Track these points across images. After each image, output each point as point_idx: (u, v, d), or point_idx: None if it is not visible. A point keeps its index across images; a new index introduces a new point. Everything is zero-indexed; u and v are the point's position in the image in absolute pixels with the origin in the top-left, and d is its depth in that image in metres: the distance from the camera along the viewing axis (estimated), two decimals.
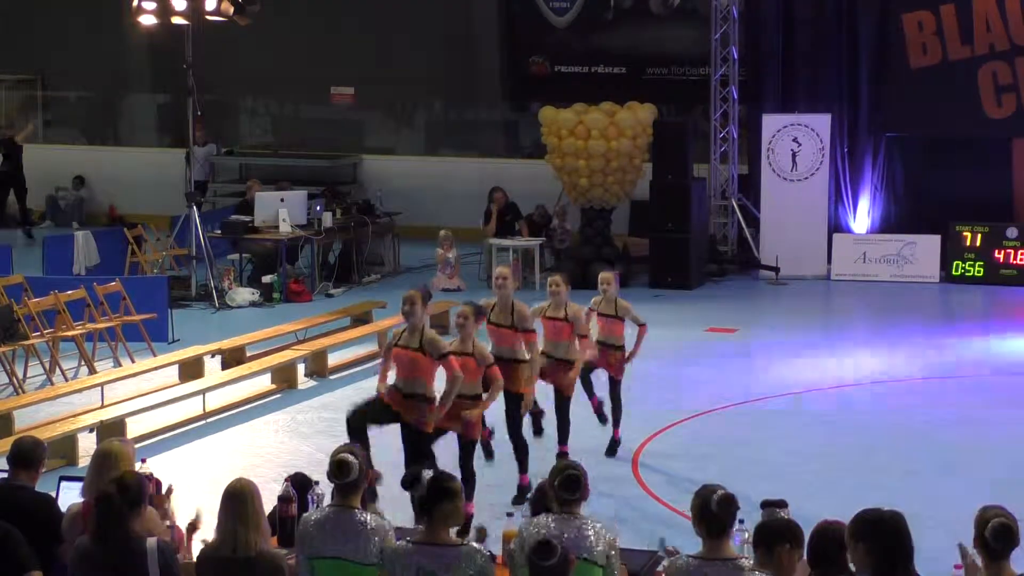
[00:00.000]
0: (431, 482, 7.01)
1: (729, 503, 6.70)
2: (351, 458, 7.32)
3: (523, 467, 11.94)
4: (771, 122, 23.52)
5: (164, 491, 8.25)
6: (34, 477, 8.13)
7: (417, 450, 10.84)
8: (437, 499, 6.97)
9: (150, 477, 8.07)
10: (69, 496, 8.32)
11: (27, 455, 8.12)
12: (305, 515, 7.51)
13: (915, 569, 6.62)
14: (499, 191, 23.33)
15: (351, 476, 7.29)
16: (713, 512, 6.68)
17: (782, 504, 6.82)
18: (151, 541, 7.07)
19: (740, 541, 7.16)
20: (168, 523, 8.00)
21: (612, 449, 13.37)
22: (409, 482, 7.12)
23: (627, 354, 13.42)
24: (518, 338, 12.03)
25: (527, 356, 11.95)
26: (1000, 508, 6.65)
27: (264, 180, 24.66)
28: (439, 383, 11.13)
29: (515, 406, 11.90)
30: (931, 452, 13.79)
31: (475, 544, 7.04)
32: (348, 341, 17.89)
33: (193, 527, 8.09)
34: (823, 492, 12.28)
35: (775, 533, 6.71)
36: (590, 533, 7.08)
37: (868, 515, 6.59)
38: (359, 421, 11.11)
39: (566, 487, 7.14)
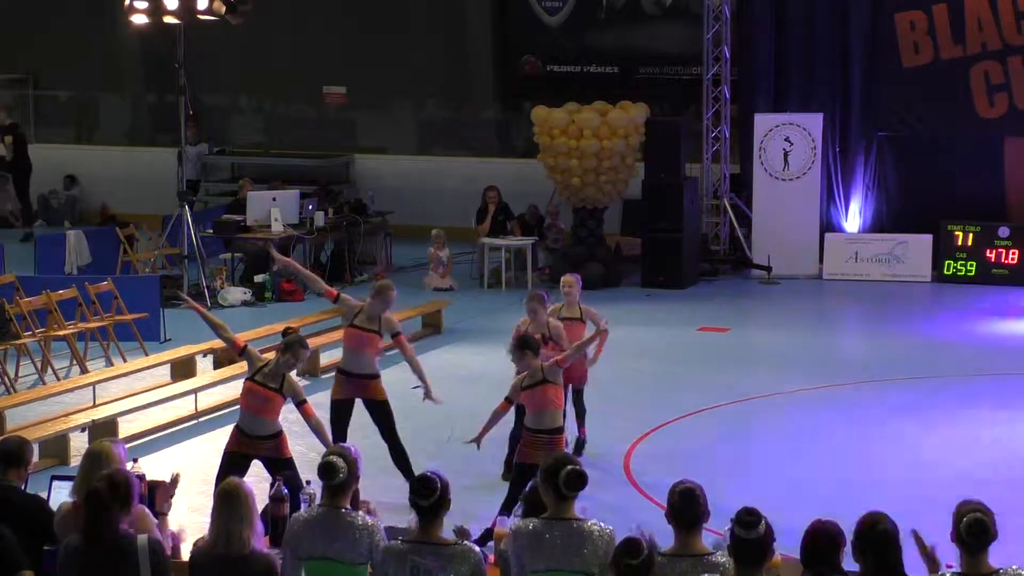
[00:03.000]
0: (444, 485, 7.01)
1: (689, 497, 6.71)
2: (338, 460, 7.33)
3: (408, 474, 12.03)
4: (763, 121, 23.52)
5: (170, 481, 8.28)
6: (23, 476, 8.11)
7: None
8: (446, 500, 7.02)
9: (142, 477, 8.06)
10: (61, 495, 8.31)
11: (14, 454, 8.09)
12: (294, 515, 7.52)
13: (905, 572, 6.65)
14: (493, 189, 23.31)
15: (338, 478, 7.30)
16: (676, 505, 6.70)
17: (758, 518, 6.72)
18: (142, 538, 7.07)
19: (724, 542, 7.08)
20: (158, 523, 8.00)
21: (579, 448, 13.26)
22: (426, 489, 7.04)
23: (588, 360, 13.28)
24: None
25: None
26: (977, 503, 6.66)
27: (256, 179, 24.65)
28: None
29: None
30: (924, 452, 13.80)
31: (469, 544, 7.05)
32: (340, 340, 17.82)
33: (172, 486, 8.14)
34: (814, 492, 12.30)
35: (765, 545, 6.64)
36: (585, 536, 7.04)
37: (864, 520, 6.62)
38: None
39: (571, 485, 7.12)
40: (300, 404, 10.60)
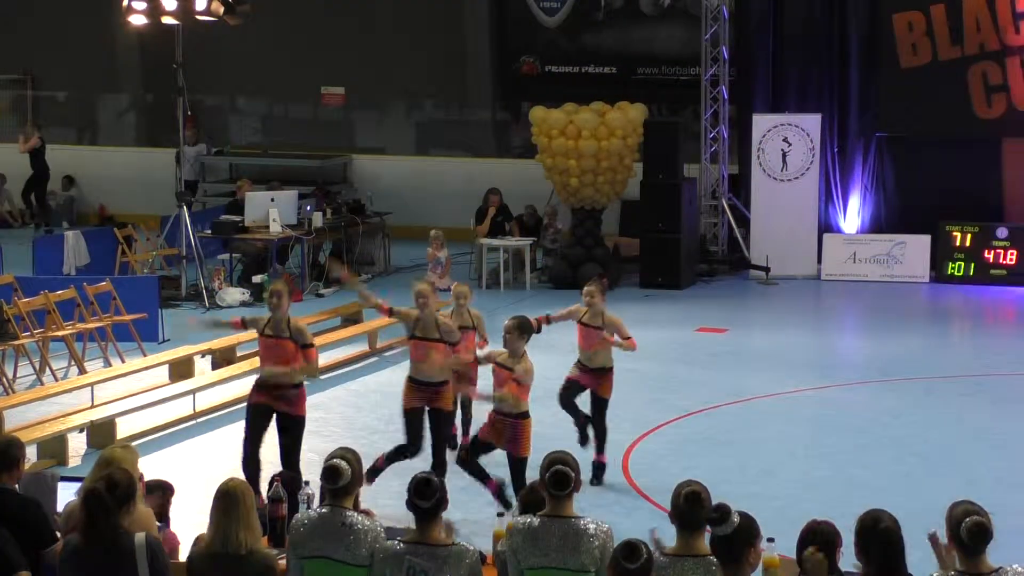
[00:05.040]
0: (440, 486, 7.03)
1: (695, 500, 6.71)
2: (341, 463, 7.32)
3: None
4: (761, 122, 23.53)
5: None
6: (16, 477, 8.02)
7: None
8: (444, 502, 7.04)
9: (140, 478, 8.05)
10: (61, 496, 8.31)
11: (4, 455, 8.00)
12: (297, 516, 7.52)
13: (909, 572, 6.65)
14: (496, 193, 23.29)
15: (342, 481, 7.30)
16: (680, 507, 6.71)
17: (725, 515, 6.70)
18: (139, 537, 7.06)
19: None
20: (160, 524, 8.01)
21: (597, 475, 12.78)
22: (427, 490, 7.04)
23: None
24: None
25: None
26: (969, 503, 6.66)
27: (254, 180, 24.64)
28: None
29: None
30: (922, 452, 13.81)
31: (465, 543, 7.06)
32: (338, 341, 17.89)
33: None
34: (812, 492, 12.31)
35: (736, 542, 6.64)
36: (582, 534, 7.06)
37: (864, 519, 6.62)
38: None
39: (555, 484, 7.13)
40: (305, 347, 11.33)
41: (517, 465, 11.15)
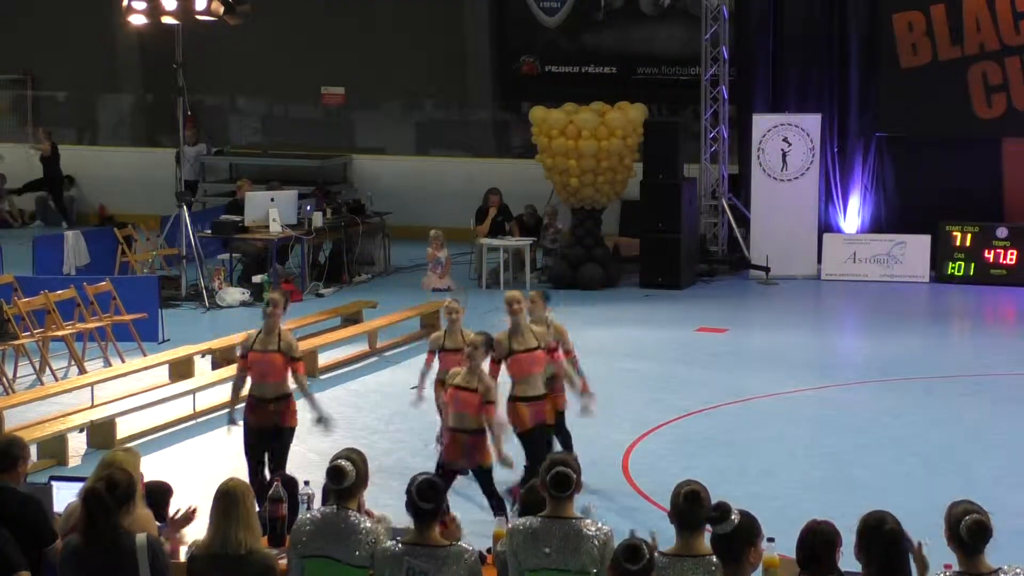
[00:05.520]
0: (442, 488, 7.05)
1: (694, 499, 6.71)
2: (346, 464, 7.32)
3: None
4: (761, 122, 23.52)
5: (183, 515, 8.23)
6: (17, 476, 7.99)
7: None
8: (444, 504, 7.07)
9: (141, 479, 8.05)
10: (61, 496, 8.31)
11: (4, 454, 7.98)
12: (300, 516, 7.54)
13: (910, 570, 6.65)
14: (496, 193, 23.28)
15: (346, 482, 7.30)
16: (680, 507, 6.71)
17: (725, 513, 6.68)
18: (140, 537, 7.06)
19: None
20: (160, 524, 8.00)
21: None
22: (429, 492, 7.04)
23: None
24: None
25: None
26: (969, 503, 6.66)
27: (254, 180, 24.64)
28: None
29: None
30: (922, 452, 13.81)
31: (464, 544, 7.06)
32: (338, 341, 17.88)
33: (186, 520, 8.12)
34: (812, 492, 12.31)
35: (737, 541, 6.61)
36: (583, 536, 7.05)
37: (868, 520, 6.62)
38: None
39: (556, 485, 7.13)
40: (294, 360, 11.30)
41: (483, 476, 10.89)
